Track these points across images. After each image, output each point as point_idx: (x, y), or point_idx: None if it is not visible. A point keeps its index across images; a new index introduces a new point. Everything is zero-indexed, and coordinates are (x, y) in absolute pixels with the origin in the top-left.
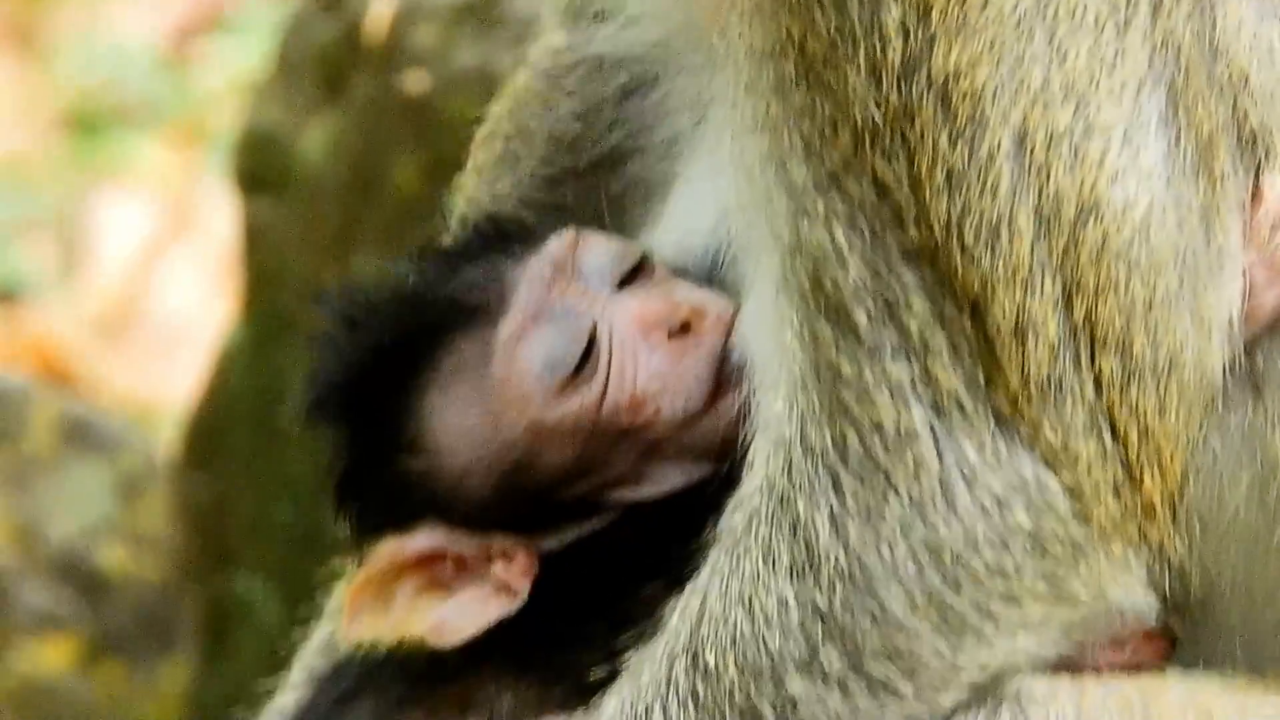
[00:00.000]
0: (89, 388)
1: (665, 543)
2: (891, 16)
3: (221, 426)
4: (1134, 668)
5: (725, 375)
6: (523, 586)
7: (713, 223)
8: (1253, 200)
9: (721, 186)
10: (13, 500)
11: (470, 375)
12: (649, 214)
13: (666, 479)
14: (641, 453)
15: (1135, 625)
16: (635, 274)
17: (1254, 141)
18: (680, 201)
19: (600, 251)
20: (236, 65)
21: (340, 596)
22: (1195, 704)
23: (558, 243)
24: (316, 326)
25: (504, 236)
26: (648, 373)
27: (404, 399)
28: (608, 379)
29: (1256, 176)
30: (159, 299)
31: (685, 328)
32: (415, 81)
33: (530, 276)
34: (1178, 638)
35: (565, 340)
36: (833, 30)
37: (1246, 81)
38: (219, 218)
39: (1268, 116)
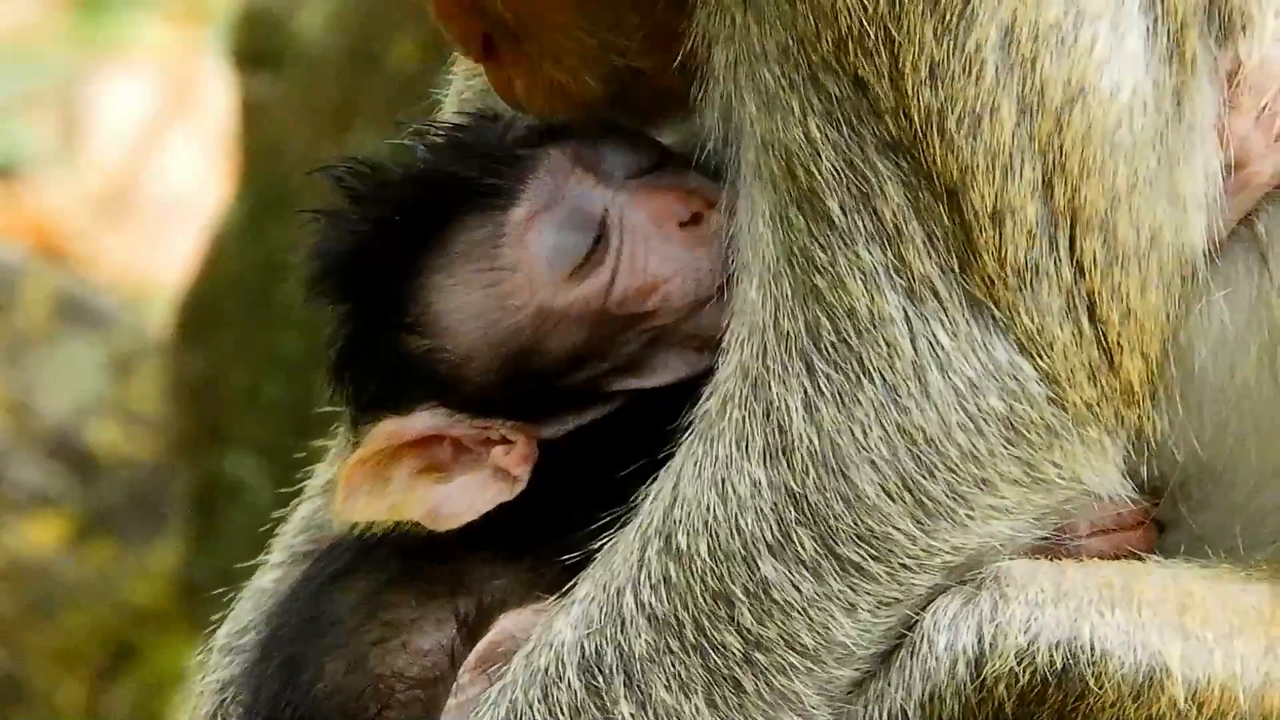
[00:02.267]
0: (85, 264)
1: (662, 432)
2: None
3: (215, 304)
4: (1117, 554)
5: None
6: (522, 473)
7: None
8: (1241, 72)
9: (705, 89)
10: (6, 375)
11: (480, 256)
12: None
13: (670, 368)
14: (647, 341)
15: (1113, 509)
16: (653, 166)
17: (1229, 16)
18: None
19: (619, 142)
20: None
21: (322, 475)
22: (1176, 587)
23: (577, 130)
24: (319, 200)
25: (516, 119)
26: (658, 260)
27: (410, 276)
28: (617, 265)
29: (1228, 50)
30: (157, 176)
31: (696, 218)
32: None
33: (548, 162)
34: (1162, 523)
35: (578, 226)
36: None
37: None
38: (219, 96)
39: None
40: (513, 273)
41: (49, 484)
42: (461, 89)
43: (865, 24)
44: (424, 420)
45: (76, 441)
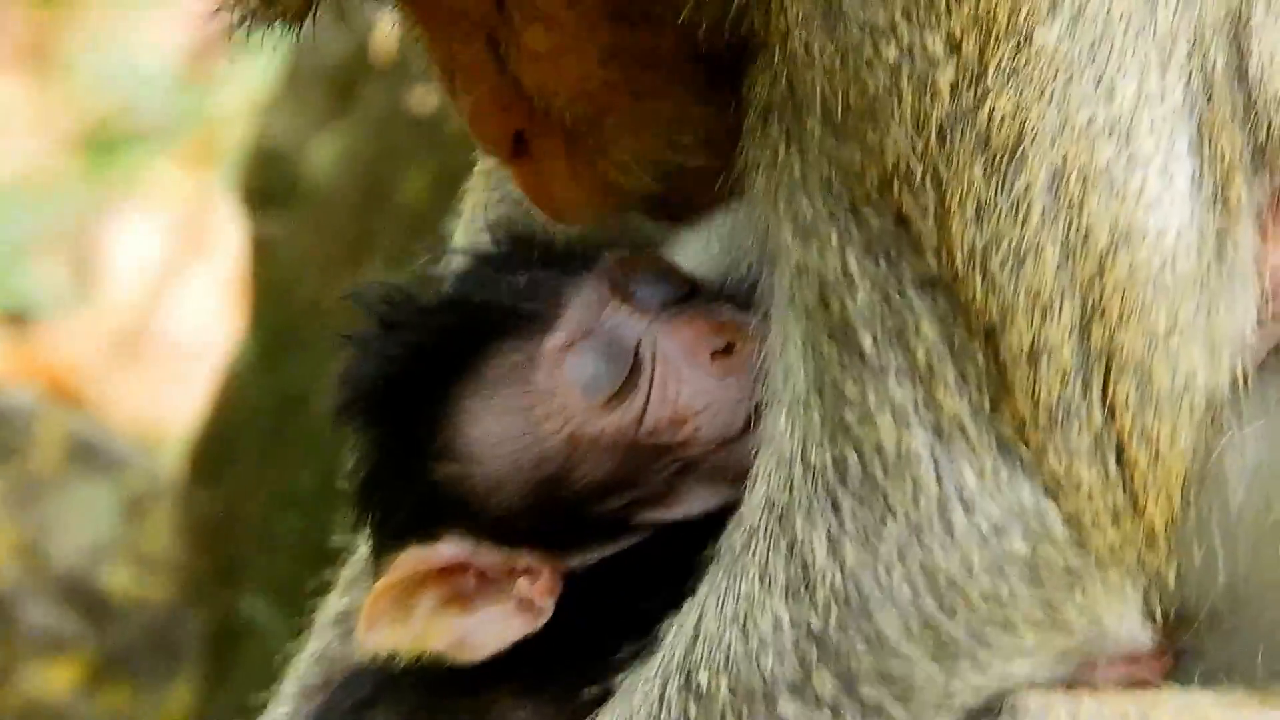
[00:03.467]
0: (99, 408)
1: (688, 562)
2: (945, 76)
3: (228, 442)
4: (1133, 684)
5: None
6: (546, 605)
7: (730, 241)
8: (1276, 205)
9: (738, 207)
10: (19, 519)
11: (512, 384)
12: (676, 232)
13: (699, 500)
14: (677, 472)
15: (1131, 648)
16: (686, 297)
17: (1277, 152)
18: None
19: (653, 272)
20: (250, 85)
21: (333, 607)
22: (1193, 717)
23: (613, 260)
24: (336, 332)
25: (550, 247)
26: (690, 391)
27: (440, 403)
28: (649, 395)
29: (1273, 184)
30: (170, 319)
31: (729, 349)
32: (423, 97)
33: (583, 291)
34: (1179, 653)
35: (613, 355)
36: (879, 90)
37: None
38: (230, 236)
39: None
40: (547, 399)
41: (63, 627)
42: (471, 217)
43: (913, 161)
44: (449, 549)
45: (90, 584)
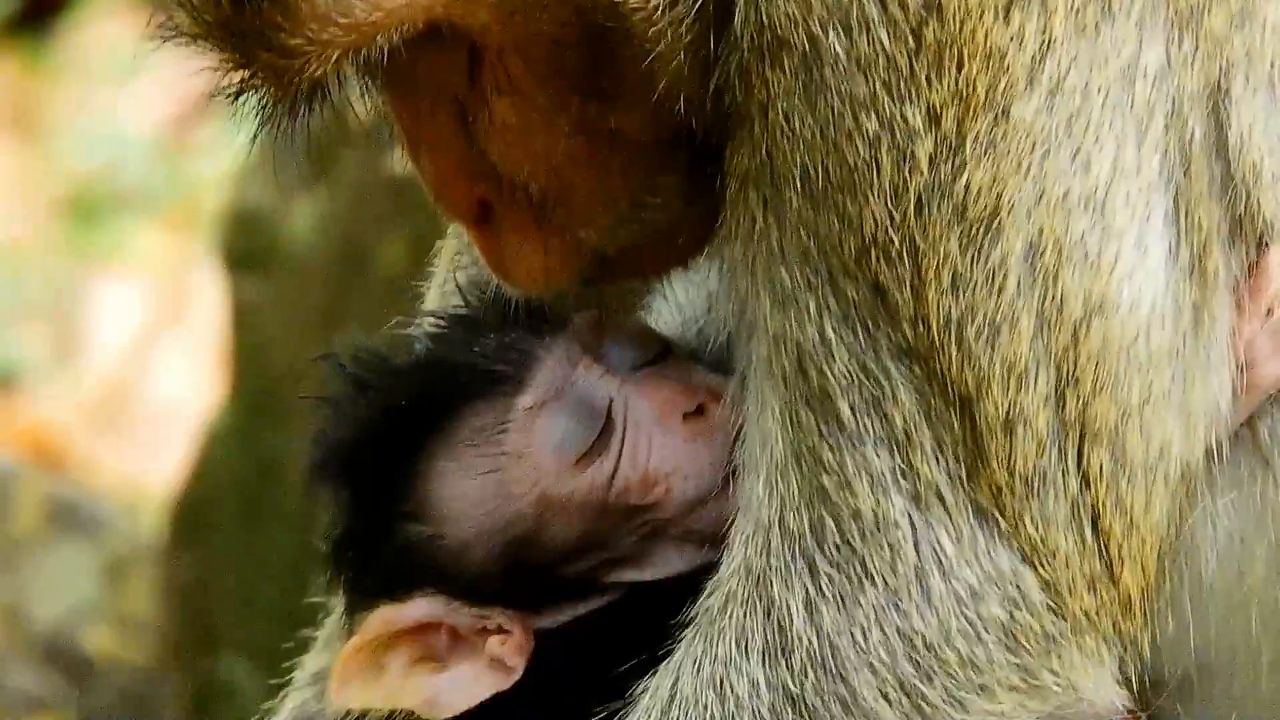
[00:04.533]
0: (82, 472)
1: (661, 625)
2: (924, 149)
3: (207, 506)
4: None
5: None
6: (517, 664)
7: (706, 306)
8: (1251, 277)
9: (715, 274)
10: (0, 580)
11: (484, 442)
12: (647, 292)
13: (670, 562)
14: (647, 534)
15: (1106, 713)
16: (657, 358)
17: (1255, 230)
18: (678, 283)
19: (624, 334)
20: (230, 150)
21: (310, 665)
22: None
23: (582, 320)
24: (321, 390)
25: (522, 309)
26: (661, 453)
27: (412, 463)
28: (620, 456)
29: (1249, 257)
30: (152, 384)
31: (700, 410)
32: (401, 161)
33: (554, 352)
34: (1154, 715)
35: (584, 416)
36: (858, 163)
37: (1257, 171)
38: (211, 300)
39: (1273, 203)
40: (517, 460)
41: (43, 689)
42: (443, 280)
43: (890, 232)
44: (421, 608)
45: (70, 647)
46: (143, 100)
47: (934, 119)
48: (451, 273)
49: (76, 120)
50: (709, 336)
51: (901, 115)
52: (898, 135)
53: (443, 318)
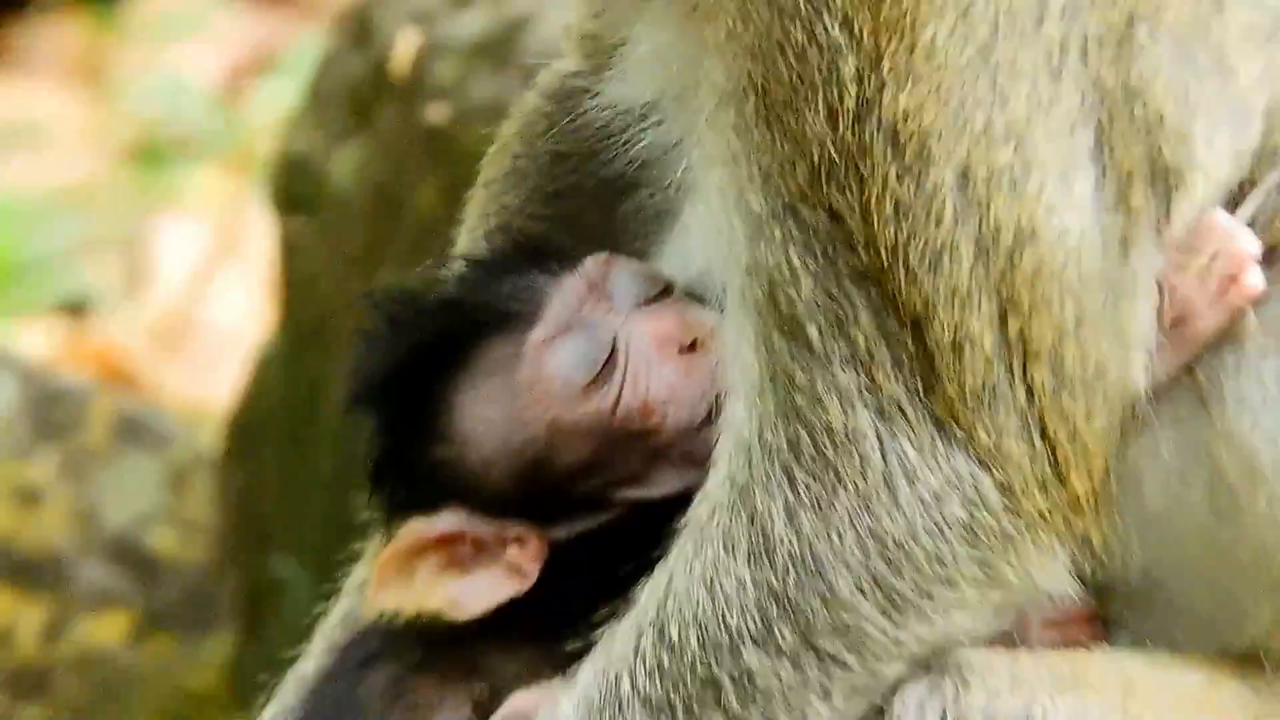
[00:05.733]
0: (147, 390)
1: (658, 534)
2: (848, 65)
3: (259, 422)
4: (1066, 645)
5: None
6: (532, 570)
7: (698, 247)
8: (1170, 223)
9: (699, 213)
10: (74, 488)
11: (500, 375)
12: (656, 239)
13: (667, 482)
14: (647, 456)
15: (1064, 607)
16: (657, 296)
17: (1166, 176)
18: (679, 229)
19: (628, 274)
20: (282, 101)
21: (359, 575)
22: (1119, 674)
23: (592, 263)
24: (355, 328)
25: (538, 253)
26: (659, 383)
27: (439, 393)
28: (623, 386)
29: (1170, 211)
30: (210, 312)
31: (694, 345)
32: (436, 113)
33: (564, 291)
34: (1108, 620)
35: (589, 349)
36: (794, 77)
37: (1162, 121)
38: (264, 238)
39: (1179, 153)
40: (530, 389)
41: (113, 585)
42: (472, 225)
43: (834, 155)
44: (447, 521)
45: (138, 547)
46: (203, 56)
47: (852, 34)
48: (480, 219)
49: (143, 74)
50: (703, 273)
51: (822, 26)
52: (823, 49)
53: (468, 261)
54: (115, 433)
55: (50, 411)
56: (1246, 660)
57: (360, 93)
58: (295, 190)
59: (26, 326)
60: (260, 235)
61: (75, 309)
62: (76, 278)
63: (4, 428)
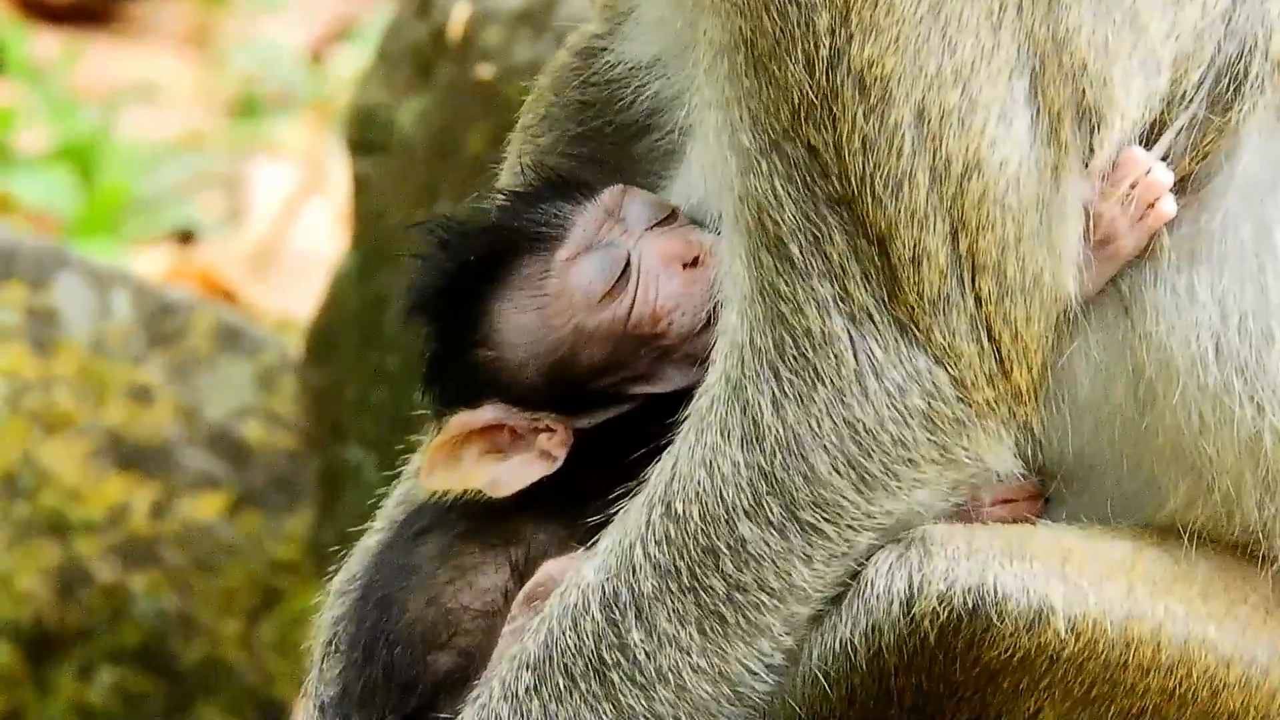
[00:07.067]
0: (242, 305)
1: (666, 424)
2: (822, 20)
3: (335, 332)
4: (1015, 519)
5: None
6: (561, 454)
7: (699, 179)
8: (1097, 158)
9: (699, 151)
10: (179, 387)
11: (532, 288)
12: (664, 173)
13: (673, 379)
14: (656, 356)
15: (1010, 485)
16: (665, 220)
17: (1090, 115)
18: (683, 165)
19: (640, 202)
20: (358, 62)
21: (416, 462)
22: (1059, 544)
23: (609, 193)
24: (415, 250)
25: (565, 185)
26: (666, 293)
27: (481, 304)
28: (635, 296)
29: (1095, 145)
30: (296, 239)
31: (695, 262)
32: (485, 71)
33: (585, 216)
34: (1050, 499)
35: (607, 265)
36: (777, 31)
37: (1086, 69)
38: (341, 177)
39: (1100, 97)
40: (557, 299)
41: (212, 469)
42: (511, 163)
43: (813, 99)
44: (488, 413)
45: (233, 437)
46: (293, 25)
47: None
48: (518, 158)
49: (243, 40)
50: (703, 202)
51: None
52: (801, 7)
53: (507, 193)
54: (215, 340)
55: (160, 322)
56: (1167, 532)
57: (422, 54)
58: (368, 136)
59: (143, 251)
60: (339, 174)
61: (184, 236)
62: (185, 210)
63: (121, 336)
